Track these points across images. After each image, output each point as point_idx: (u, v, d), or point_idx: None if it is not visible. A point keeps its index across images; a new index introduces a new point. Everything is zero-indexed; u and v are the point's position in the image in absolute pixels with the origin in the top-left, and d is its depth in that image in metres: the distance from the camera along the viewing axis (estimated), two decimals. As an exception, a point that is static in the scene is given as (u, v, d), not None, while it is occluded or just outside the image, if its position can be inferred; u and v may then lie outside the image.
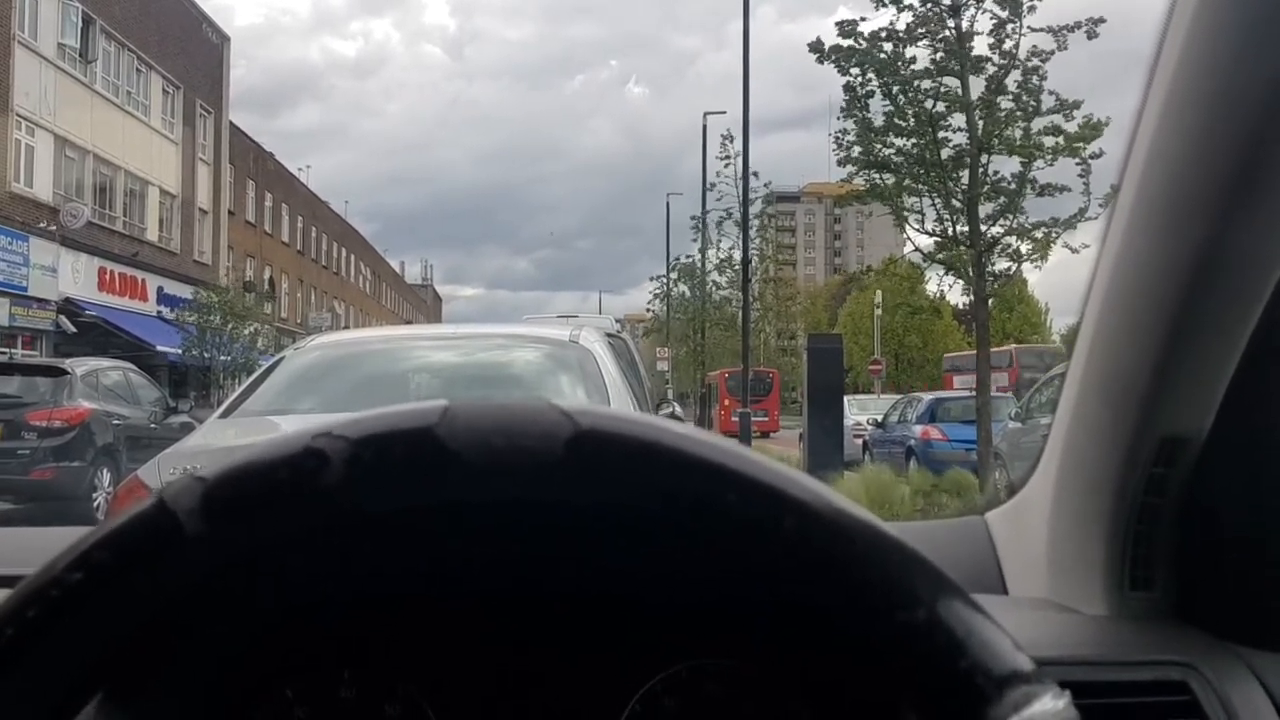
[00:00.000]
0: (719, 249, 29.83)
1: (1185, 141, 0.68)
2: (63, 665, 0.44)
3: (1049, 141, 9.93)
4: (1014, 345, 31.86)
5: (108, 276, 24.67)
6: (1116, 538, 0.82)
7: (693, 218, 29.84)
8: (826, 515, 0.45)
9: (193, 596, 0.46)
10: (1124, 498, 0.81)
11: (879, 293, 36.11)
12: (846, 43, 10.54)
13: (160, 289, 27.09)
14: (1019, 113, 10.03)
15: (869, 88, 10.65)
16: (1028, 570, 0.96)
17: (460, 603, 0.65)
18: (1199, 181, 0.68)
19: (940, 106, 10.33)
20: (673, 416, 6.23)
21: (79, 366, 11.54)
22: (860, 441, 18.18)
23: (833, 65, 10.66)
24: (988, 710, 0.43)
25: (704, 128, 29.27)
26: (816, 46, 10.79)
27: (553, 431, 0.45)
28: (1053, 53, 9.96)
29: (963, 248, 10.25)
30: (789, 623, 0.51)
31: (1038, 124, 9.97)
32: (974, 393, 11.25)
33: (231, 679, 0.64)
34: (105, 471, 10.90)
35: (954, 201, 10.37)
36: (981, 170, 10.23)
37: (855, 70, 10.62)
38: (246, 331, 25.13)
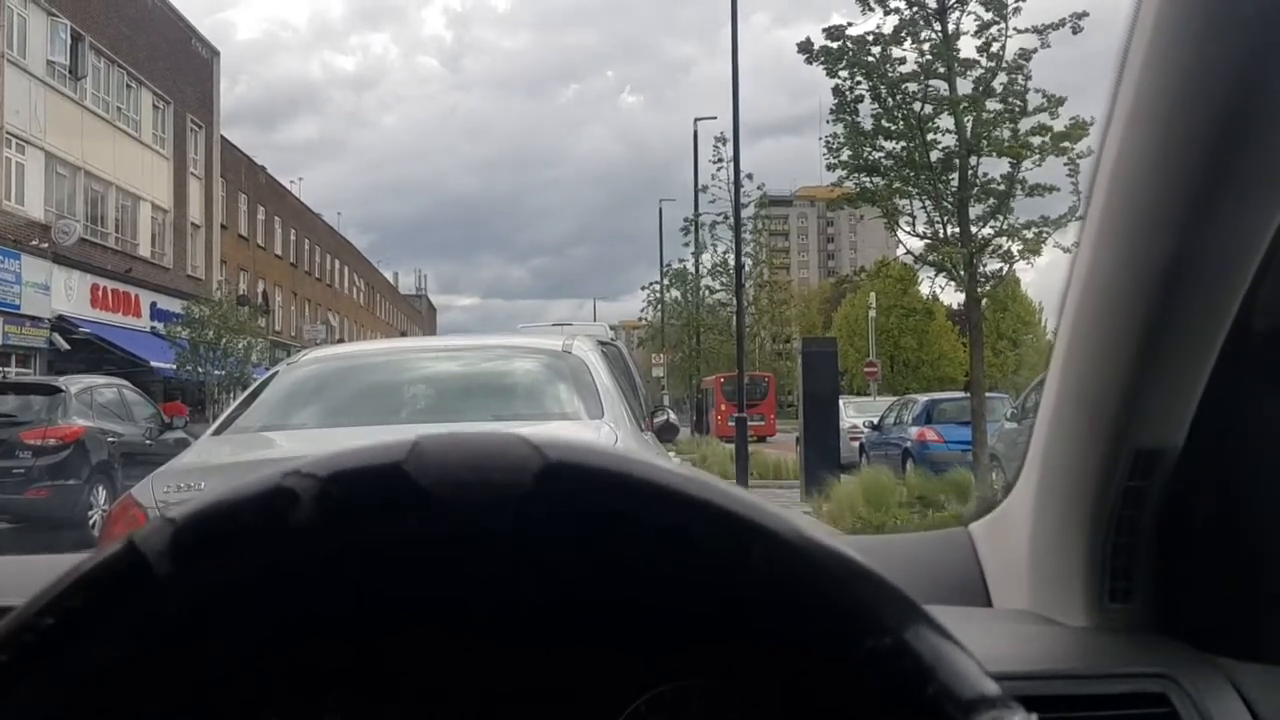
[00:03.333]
0: (715, 252, 29.76)
1: (1152, 148, 0.68)
2: (39, 707, 0.44)
3: (1036, 141, 9.96)
4: None
5: (100, 293, 24.64)
6: (1096, 550, 0.83)
7: (685, 218, 29.77)
8: (794, 544, 0.46)
9: (167, 635, 0.46)
10: (1101, 510, 0.81)
11: (873, 295, 36.08)
12: (835, 44, 10.57)
13: (154, 304, 27.06)
14: (1006, 114, 10.06)
15: (858, 91, 10.68)
16: (1010, 582, 0.96)
17: (441, 630, 0.65)
18: (1167, 189, 0.68)
19: (928, 109, 10.36)
20: (667, 424, 6.23)
21: (73, 384, 11.54)
22: (856, 444, 18.18)
23: (821, 66, 10.69)
24: None
25: (694, 133, 29.36)
26: (805, 46, 10.81)
27: (521, 465, 0.46)
28: (1035, 51, 9.99)
29: (953, 247, 10.26)
30: (762, 647, 0.52)
31: (1025, 124, 10.00)
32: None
33: (212, 708, 0.64)
34: (100, 489, 10.88)
35: (944, 203, 10.39)
36: (970, 172, 10.26)
37: (844, 72, 10.65)
38: (240, 346, 25.06)
